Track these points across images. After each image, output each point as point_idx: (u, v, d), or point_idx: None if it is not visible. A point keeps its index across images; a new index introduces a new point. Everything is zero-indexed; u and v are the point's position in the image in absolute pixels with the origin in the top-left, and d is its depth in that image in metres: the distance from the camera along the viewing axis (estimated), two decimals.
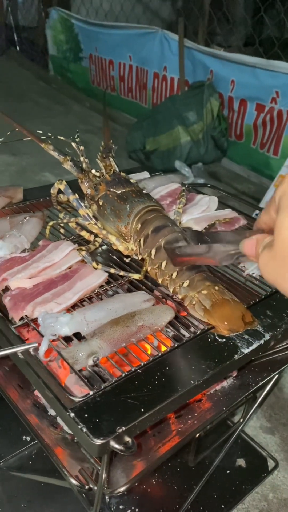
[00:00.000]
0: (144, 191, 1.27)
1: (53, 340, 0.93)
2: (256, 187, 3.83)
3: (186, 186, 1.69)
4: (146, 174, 1.69)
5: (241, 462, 1.64)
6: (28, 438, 1.60)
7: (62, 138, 1.41)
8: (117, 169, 1.33)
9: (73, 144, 1.38)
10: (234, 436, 1.44)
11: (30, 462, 1.58)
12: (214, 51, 3.99)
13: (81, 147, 1.37)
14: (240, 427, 1.43)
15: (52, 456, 1.00)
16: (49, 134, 1.43)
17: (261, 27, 4.26)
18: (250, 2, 4.67)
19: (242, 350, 0.98)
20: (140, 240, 1.16)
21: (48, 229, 1.26)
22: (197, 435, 1.12)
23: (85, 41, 5.28)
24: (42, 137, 1.36)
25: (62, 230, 1.34)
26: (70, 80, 5.76)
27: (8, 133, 1.36)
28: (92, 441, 0.76)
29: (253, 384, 1.22)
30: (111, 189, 1.25)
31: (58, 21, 5.59)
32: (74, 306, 1.04)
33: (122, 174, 1.32)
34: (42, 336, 0.93)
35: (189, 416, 1.18)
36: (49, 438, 1.09)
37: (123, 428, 0.78)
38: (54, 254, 1.15)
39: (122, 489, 0.95)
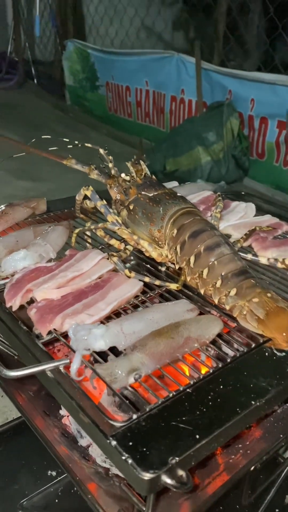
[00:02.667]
0: (179, 195, 1.16)
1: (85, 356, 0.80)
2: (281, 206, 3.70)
3: (220, 193, 1.57)
4: (175, 183, 1.58)
5: None
6: (54, 473, 1.44)
7: (89, 145, 1.32)
8: (148, 173, 1.22)
9: (101, 150, 1.29)
10: (286, 470, 1.27)
11: (57, 500, 1.42)
12: (232, 70, 3.96)
13: (110, 157, 1.28)
14: None
15: (87, 494, 0.85)
16: (76, 142, 1.35)
17: (280, 44, 4.21)
18: (264, 21, 4.66)
19: None
20: (176, 247, 1.03)
21: (74, 236, 1.15)
22: (252, 468, 0.97)
23: (102, 70, 5.33)
24: (63, 152, 1.29)
25: (89, 240, 1.23)
26: (87, 109, 5.79)
27: (21, 154, 1.30)
28: (139, 475, 0.62)
29: None
30: (143, 192, 1.14)
31: (74, 52, 5.67)
32: (107, 319, 0.92)
33: (154, 177, 1.22)
34: (74, 351, 0.80)
35: (240, 446, 1.03)
36: (80, 472, 0.94)
37: (177, 458, 0.64)
38: (83, 263, 1.03)
39: None
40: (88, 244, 1.21)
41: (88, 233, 1.25)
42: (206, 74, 4.12)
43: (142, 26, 5.04)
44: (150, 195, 1.13)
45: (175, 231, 1.05)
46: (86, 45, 5.49)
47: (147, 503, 0.75)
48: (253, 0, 4.57)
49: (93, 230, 1.19)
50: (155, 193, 1.13)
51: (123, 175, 1.21)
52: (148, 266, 1.12)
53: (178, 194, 1.16)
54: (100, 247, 1.19)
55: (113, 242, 1.15)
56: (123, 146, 4.96)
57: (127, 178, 1.20)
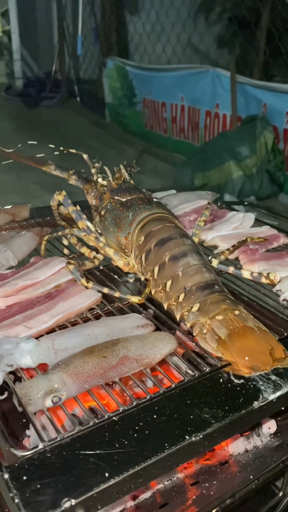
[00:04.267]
0: (155, 200, 1.07)
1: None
2: None
3: (219, 203, 1.46)
4: (172, 191, 1.48)
5: None
6: None
7: (73, 151, 1.27)
8: (127, 178, 1.14)
9: (84, 156, 1.23)
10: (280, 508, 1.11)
11: None
12: (267, 83, 3.83)
13: (96, 164, 1.21)
14: (284, 503, 1.10)
15: None
16: (61, 148, 1.30)
17: None
18: None
19: (266, 395, 0.70)
20: (142, 256, 0.93)
21: (44, 244, 1.08)
22: (214, 511, 0.83)
23: (139, 86, 5.34)
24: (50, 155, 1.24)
25: (66, 251, 1.16)
26: (125, 125, 5.82)
27: (11, 160, 1.26)
28: None
29: None
30: (116, 197, 1.05)
31: (114, 69, 5.74)
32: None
33: (132, 182, 1.13)
34: None
35: (207, 484, 0.90)
36: None
37: (73, 501, 0.53)
38: (41, 271, 0.95)
39: None
40: (60, 253, 1.13)
41: (65, 242, 1.18)
42: (241, 87, 4.01)
43: (187, 44, 5.01)
44: (123, 200, 1.04)
45: (142, 238, 0.95)
46: (125, 62, 5.54)
47: None
48: None
49: (65, 237, 1.11)
50: (128, 198, 1.04)
51: (99, 180, 1.13)
52: (116, 277, 1.03)
53: (155, 199, 1.06)
54: (72, 256, 1.11)
55: (84, 250, 1.07)
56: (157, 162, 4.92)
57: (104, 183, 1.12)
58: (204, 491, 0.88)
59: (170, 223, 0.97)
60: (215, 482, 0.89)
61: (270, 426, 1.03)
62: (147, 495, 0.90)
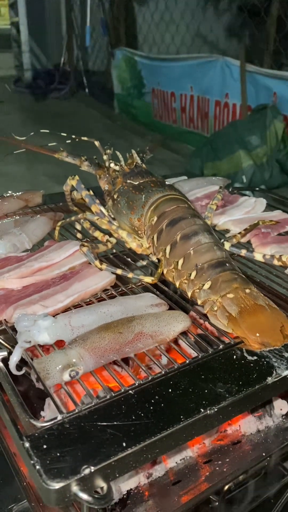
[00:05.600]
0: (167, 183, 1.07)
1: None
2: None
3: (231, 189, 1.47)
4: (184, 177, 1.49)
5: None
6: None
7: (85, 138, 1.28)
8: (139, 162, 1.14)
9: (96, 143, 1.24)
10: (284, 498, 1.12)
11: None
12: (277, 72, 3.80)
13: (108, 150, 1.22)
14: None
15: (31, 503, 0.78)
16: (73, 136, 1.31)
17: None
18: None
19: (279, 371, 0.71)
20: (153, 236, 0.95)
21: (57, 230, 1.09)
22: (226, 487, 0.85)
23: (148, 77, 5.32)
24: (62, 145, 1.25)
25: (79, 235, 1.17)
26: (134, 116, 5.80)
27: (23, 149, 1.27)
28: (44, 483, 0.53)
29: None
30: (128, 181, 1.06)
31: (123, 60, 5.72)
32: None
33: (144, 166, 1.14)
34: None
35: (219, 462, 0.92)
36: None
37: (92, 468, 0.55)
38: (56, 253, 0.97)
39: None
40: (75, 237, 1.15)
41: (78, 226, 1.19)
42: (250, 76, 3.98)
43: (196, 34, 4.97)
44: (135, 183, 1.05)
45: (155, 218, 0.96)
46: (133, 53, 5.51)
47: None
48: None
49: (78, 222, 1.12)
50: (141, 181, 1.05)
51: (112, 165, 1.14)
52: (129, 260, 1.04)
53: (167, 183, 1.07)
54: (85, 240, 1.12)
55: (97, 234, 1.08)
56: (167, 152, 4.90)
57: (116, 168, 1.13)
58: (217, 468, 0.89)
59: (183, 203, 0.98)
60: (227, 460, 0.91)
61: (282, 407, 1.04)
62: (160, 473, 0.92)
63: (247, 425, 1.00)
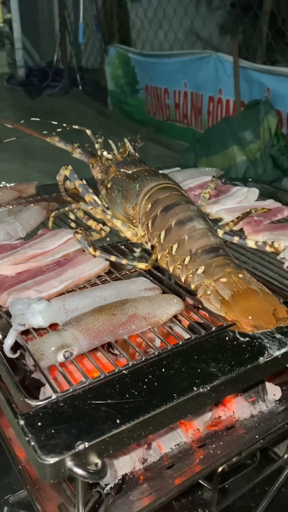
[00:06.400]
0: (161, 172, 1.08)
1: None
2: None
3: (224, 179, 1.48)
4: (177, 169, 1.49)
5: None
6: None
7: (77, 127, 1.29)
8: (132, 151, 1.15)
9: (88, 132, 1.25)
10: (282, 476, 1.13)
11: None
12: (269, 67, 3.82)
13: (99, 139, 1.23)
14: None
15: (25, 484, 0.78)
16: (64, 124, 1.32)
17: None
18: None
19: (271, 352, 0.72)
20: (148, 223, 0.95)
21: (51, 219, 1.10)
22: (220, 469, 0.86)
23: (141, 73, 5.32)
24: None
25: (73, 225, 1.17)
26: (128, 113, 5.80)
27: (13, 138, 1.28)
28: (39, 459, 0.54)
29: None
30: (122, 170, 1.07)
31: (116, 57, 5.71)
32: None
33: (137, 155, 1.14)
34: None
35: (213, 446, 0.93)
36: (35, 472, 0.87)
37: (86, 443, 0.56)
38: (49, 241, 0.97)
39: None
40: (69, 226, 1.15)
41: (72, 216, 1.20)
42: (244, 72, 3.99)
43: (189, 30, 4.97)
44: (129, 172, 1.06)
45: (149, 205, 0.97)
46: (127, 50, 5.51)
47: (76, 495, 0.68)
48: None
49: (71, 212, 1.13)
50: (134, 170, 1.06)
51: (105, 153, 1.15)
52: (123, 248, 1.05)
53: (160, 172, 1.08)
54: (79, 229, 1.13)
55: (91, 223, 1.08)
56: (161, 148, 4.91)
57: (109, 156, 1.14)
58: (211, 451, 0.90)
59: (176, 191, 0.99)
60: (221, 443, 0.92)
61: (275, 393, 1.06)
62: (155, 458, 0.93)
63: (241, 410, 1.02)
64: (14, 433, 0.91)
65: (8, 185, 1.28)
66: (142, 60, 5.21)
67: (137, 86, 5.47)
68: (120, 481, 0.88)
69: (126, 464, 0.90)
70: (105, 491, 0.86)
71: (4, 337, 0.73)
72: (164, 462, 0.93)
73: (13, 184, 1.33)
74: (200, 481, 1.05)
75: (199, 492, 1.27)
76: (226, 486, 1.07)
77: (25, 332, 0.76)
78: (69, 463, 0.55)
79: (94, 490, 0.83)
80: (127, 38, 5.97)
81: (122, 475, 0.89)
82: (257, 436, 0.89)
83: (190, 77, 4.62)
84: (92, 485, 0.82)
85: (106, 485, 0.86)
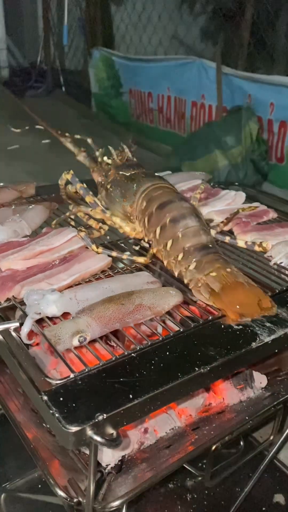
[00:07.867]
0: (156, 174, 1.16)
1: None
2: None
3: (212, 184, 1.57)
4: (168, 172, 1.58)
5: (279, 498, 1.41)
6: None
7: (78, 136, 1.37)
8: (130, 156, 1.23)
9: (89, 140, 1.33)
10: (265, 461, 1.23)
11: (40, 486, 1.42)
12: (252, 74, 3.94)
13: (100, 150, 1.31)
14: (273, 451, 1.22)
15: (38, 461, 0.85)
16: (67, 134, 1.39)
17: None
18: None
19: (262, 338, 0.81)
20: (144, 219, 1.03)
21: (54, 223, 1.17)
22: (214, 447, 0.94)
23: (125, 77, 5.40)
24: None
25: (73, 223, 1.25)
26: (112, 116, 5.87)
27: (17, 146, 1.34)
28: (64, 428, 0.61)
29: (284, 393, 1.03)
30: (120, 172, 1.15)
31: (100, 60, 5.78)
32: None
33: (135, 159, 1.22)
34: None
35: (206, 427, 1.01)
36: (45, 451, 0.94)
37: (104, 415, 0.63)
38: (55, 238, 1.04)
39: (116, 503, 0.78)
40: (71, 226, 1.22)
41: (72, 216, 1.27)
42: (226, 78, 4.11)
43: (172, 35, 5.08)
44: (127, 174, 1.14)
45: (145, 203, 1.05)
46: (111, 53, 5.58)
47: (89, 469, 0.75)
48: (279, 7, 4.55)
49: (72, 216, 1.20)
50: (132, 172, 1.14)
51: (105, 158, 1.23)
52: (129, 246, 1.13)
53: (156, 175, 1.16)
54: (81, 227, 1.20)
55: (91, 222, 1.16)
56: (145, 151, 4.99)
57: (109, 161, 1.22)
58: (205, 432, 0.98)
59: (170, 190, 1.07)
60: (214, 425, 1.00)
61: (261, 381, 1.15)
62: (151, 441, 1.01)
63: (230, 396, 1.10)
64: (23, 418, 0.98)
65: (8, 186, 1.35)
66: (126, 64, 5.29)
67: (121, 89, 5.55)
68: (119, 462, 0.95)
69: (124, 447, 0.97)
70: (106, 470, 0.93)
71: (21, 325, 0.80)
72: (160, 445, 1.01)
73: (13, 184, 1.39)
74: (189, 468, 1.14)
75: (188, 479, 1.37)
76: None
77: (38, 321, 0.83)
78: (89, 432, 0.62)
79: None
80: (111, 41, 6.04)
81: (122, 456, 0.96)
82: (246, 417, 0.98)
83: (173, 82, 4.72)
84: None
85: (107, 465, 0.93)
